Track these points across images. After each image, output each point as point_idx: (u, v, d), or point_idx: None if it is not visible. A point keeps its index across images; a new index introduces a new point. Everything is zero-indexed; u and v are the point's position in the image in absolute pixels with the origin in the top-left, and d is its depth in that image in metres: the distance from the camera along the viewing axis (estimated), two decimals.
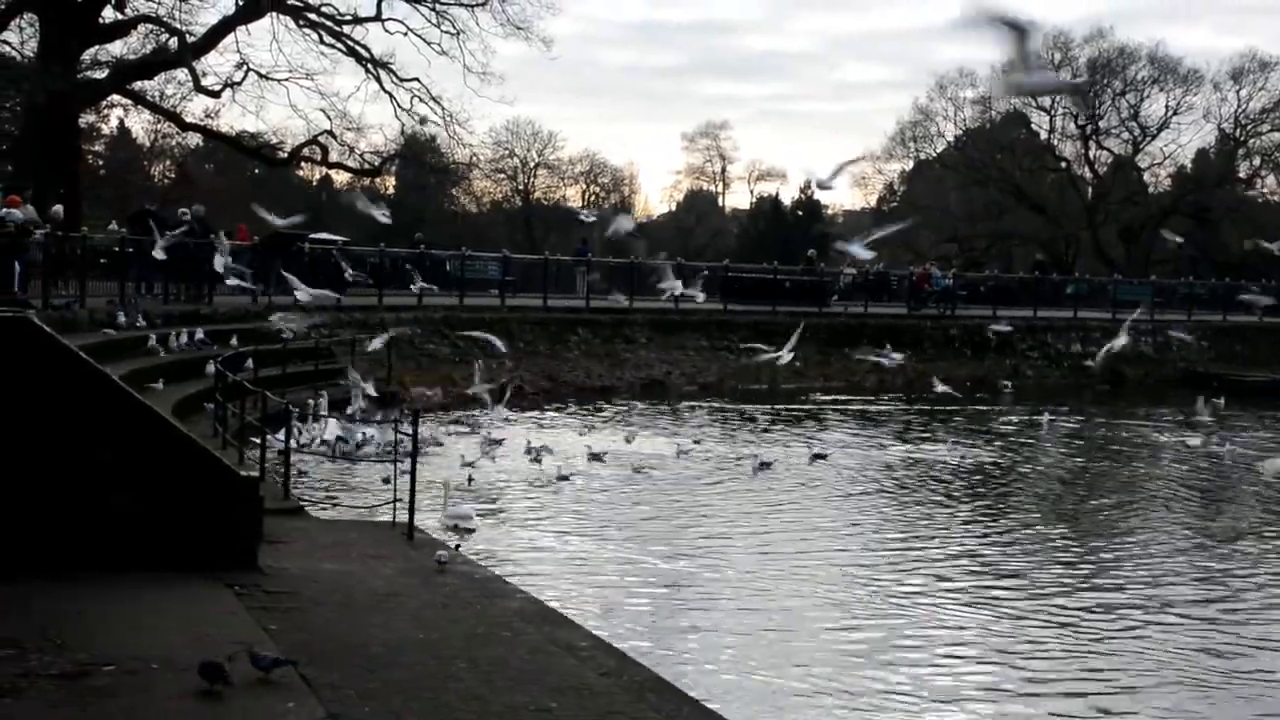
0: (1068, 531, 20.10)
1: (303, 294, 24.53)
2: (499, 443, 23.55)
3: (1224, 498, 24.14)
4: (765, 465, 23.94)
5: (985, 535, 19.41)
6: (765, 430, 30.11)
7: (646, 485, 22.18)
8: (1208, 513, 22.38)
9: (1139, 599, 15.73)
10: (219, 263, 25.70)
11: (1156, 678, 12.59)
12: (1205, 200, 79.02)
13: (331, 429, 22.45)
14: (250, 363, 23.46)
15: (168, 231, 31.48)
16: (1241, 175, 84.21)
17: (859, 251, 18.66)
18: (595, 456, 24.03)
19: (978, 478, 24.65)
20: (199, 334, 26.50)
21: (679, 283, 28.57)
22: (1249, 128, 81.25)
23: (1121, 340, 18.42)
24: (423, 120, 43.04)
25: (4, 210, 25.01)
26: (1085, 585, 16.35)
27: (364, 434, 22.63)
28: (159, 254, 25.43)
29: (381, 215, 23.06)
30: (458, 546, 13.71)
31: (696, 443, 26.37)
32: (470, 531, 16.50)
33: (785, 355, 23.17)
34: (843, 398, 38.22)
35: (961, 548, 18.42)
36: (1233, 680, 12.70)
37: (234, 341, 26.21)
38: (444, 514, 16.67)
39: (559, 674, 8.87)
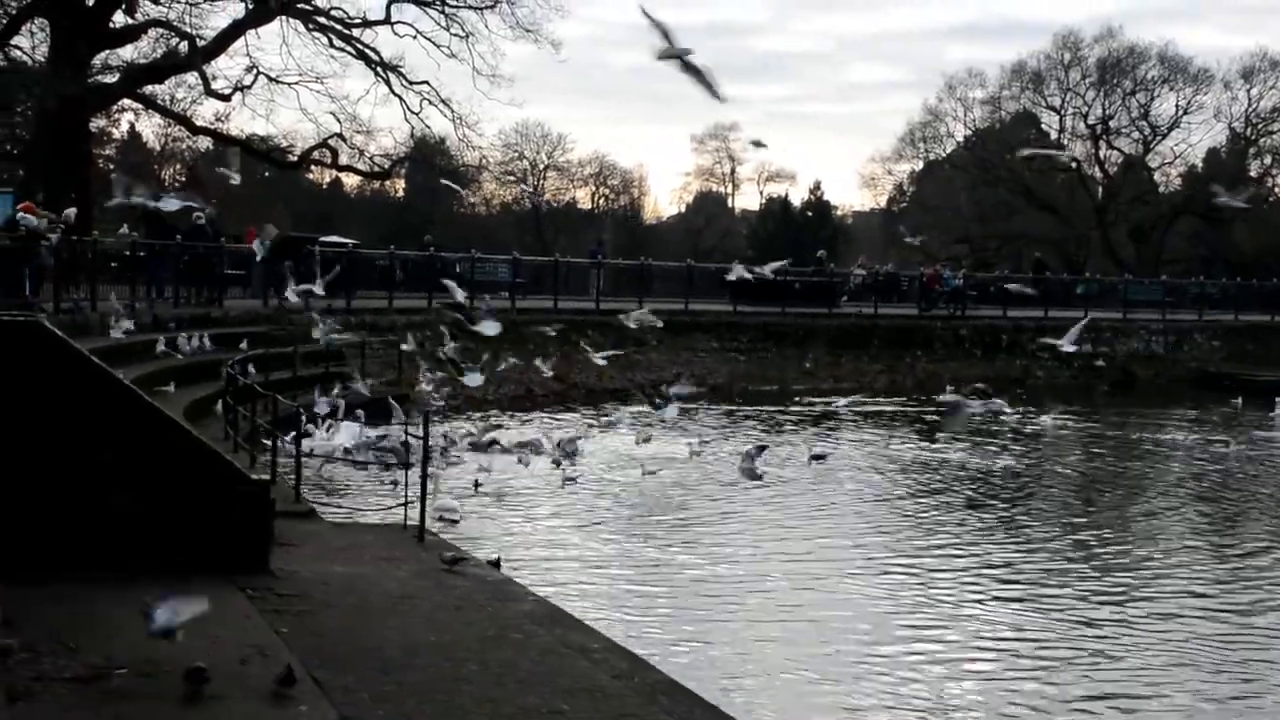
0: (1091, 534, 20.01)
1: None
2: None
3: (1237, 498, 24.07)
4: (752, 470, 23.90)
5: (1002, 537, 19.37)
6: (777, 431, 30.13)
7: (656, 486, 22.16)
8: (1227, 512, 22.34)
9: (1171, 602, 15.68)
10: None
11: (1195, 689, 12.53)
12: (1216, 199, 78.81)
13: (345, 432, 22.48)
14: (252, 367, 23.39)
15: (178, 236, 31.65)
16: (1253, 174, 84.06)
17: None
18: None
19: (990, 479, 24.59)
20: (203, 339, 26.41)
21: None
22: (1260, 127, 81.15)
23: (1068, 346, 18.59)
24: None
25: (20, 215, 25.13)
26: (1112, 590, 16.28)
27: (371, 437, 22.69)
28: (119, 331, 23.92)
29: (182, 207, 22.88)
30: (498, 562, 13.52)
31: (704, 443, 26.34)
32: (455, 522, 16.58)
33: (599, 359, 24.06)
34: (841, 399, 38.09)
35: (978, 549, 18.37)
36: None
37: (243, 345, 26.23)
38: (431, 506, 16.75)
39: (571, 676, 8.86)
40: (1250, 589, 16.54)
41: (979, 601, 15.34)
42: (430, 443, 22.54)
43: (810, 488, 22.88)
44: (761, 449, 24.93)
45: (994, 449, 28.31)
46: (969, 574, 16.78)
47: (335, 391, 24.01)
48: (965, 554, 18.03)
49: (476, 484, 20.84)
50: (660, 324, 22.89)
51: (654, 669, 9.54)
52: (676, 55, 8.16)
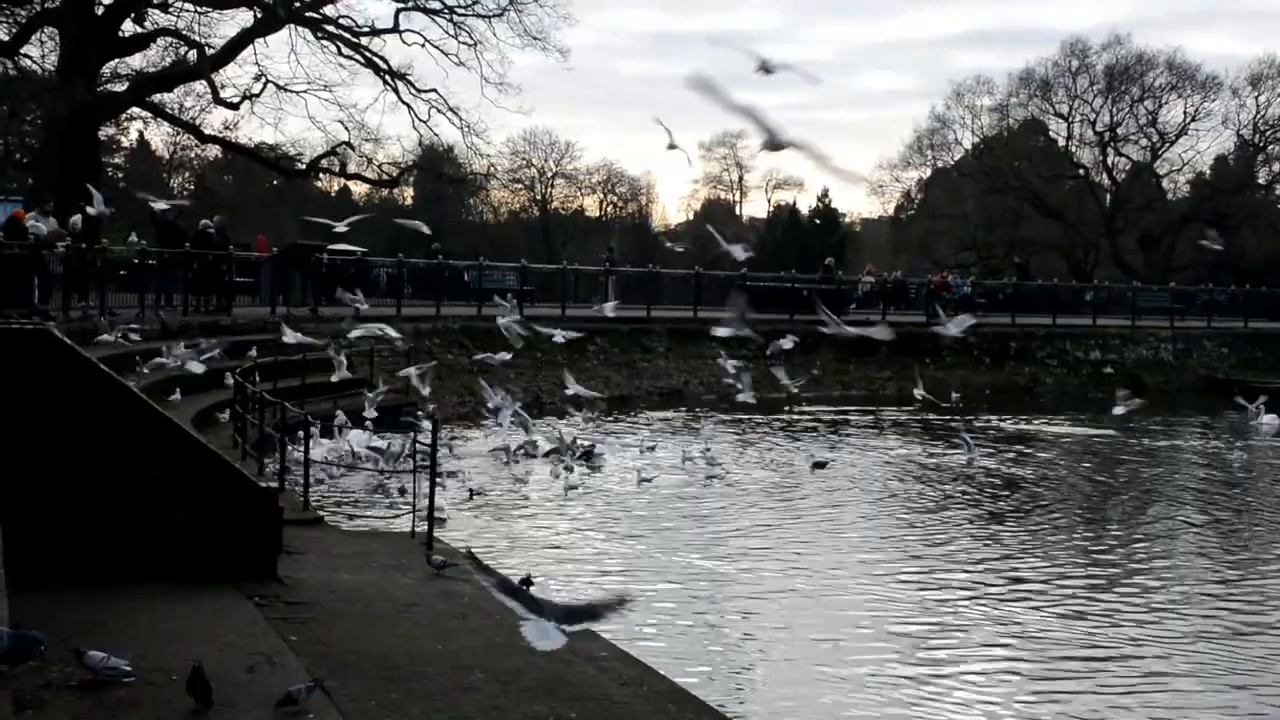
0: (1105, 543, 19.95)
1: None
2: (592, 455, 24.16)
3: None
4: (713, 476, 24.03)
5: (1005, 543, 19.30)
6: (786, 437, 30.11)
7: (658, 494, 22.08)
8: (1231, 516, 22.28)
9: (1189, 607, 15.65)
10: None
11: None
12: (1224, 207, 78.78)
13: (352, 440, 22.50)
14: (257, 376, 23.35)
15: (186, 244, 31.72)
16: (1261, 181, 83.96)
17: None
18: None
19: (992, 485, 24.55)
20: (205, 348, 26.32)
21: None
22: (1268, 134, 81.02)
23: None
24: None
25: (30, 223, 25.19)
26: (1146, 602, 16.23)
27: (381, 445, 22.68)
28: (116, 335, 23.83)
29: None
30: (529, 580, 13.33)
31: (706, 450, 26.24)
32: (441, 522, 16.63)
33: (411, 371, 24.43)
34: (834, 408, 38.03)
35: (984, 553, 18.29)
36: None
37: (252, 352, 26.24)
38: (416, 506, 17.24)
39: (579, 684, 8.85)
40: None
41: (992, 609, 15.27)
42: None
43: (816, 494, 22.82)
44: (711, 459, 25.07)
45: (1005, 458, 28.28)
46: (981, 581, 16.70)
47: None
48: (974, 560, 17.95)
49: (471, 492, 20.74)
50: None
51: (662, 677, 9.54)
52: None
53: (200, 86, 45.21)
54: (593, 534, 18.73)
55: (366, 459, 21.79)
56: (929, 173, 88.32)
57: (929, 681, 12.38)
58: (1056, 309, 53.17)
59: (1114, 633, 14.43)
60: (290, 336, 23.57)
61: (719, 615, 14.64)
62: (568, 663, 9.34)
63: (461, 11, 45.37)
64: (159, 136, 66.71)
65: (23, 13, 41.62)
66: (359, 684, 8.41)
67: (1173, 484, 26.16)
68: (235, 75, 45.44)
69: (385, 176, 51.63)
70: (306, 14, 44.11)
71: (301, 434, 18.55)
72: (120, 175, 64.66)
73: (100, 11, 41.01)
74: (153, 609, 9.87)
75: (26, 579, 9.63)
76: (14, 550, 9.56)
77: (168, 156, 71.87)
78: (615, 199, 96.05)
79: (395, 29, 45.43)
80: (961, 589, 16.25)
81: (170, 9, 42.67)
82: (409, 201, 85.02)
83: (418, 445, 17.92)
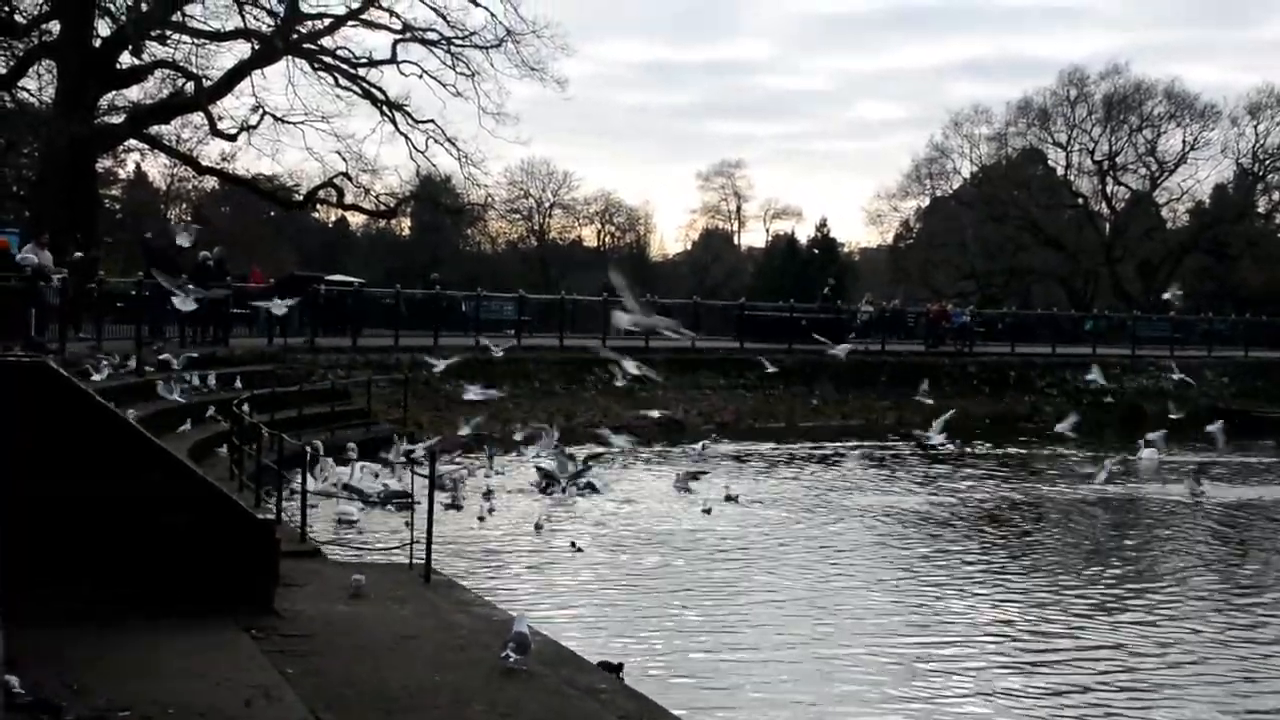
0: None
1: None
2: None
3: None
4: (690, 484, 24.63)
5: (1011, 577, 19.20)
6: (785, 467, 30.05)
7: (660, 525, 21.95)
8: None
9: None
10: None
11: None
12: (1224, 235, 78.87)
13: (352, 473, 22.45)
14: (247, 406, 23.20)
15: (184, 275, 31.62)
16: (1260, 210, 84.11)
17: None
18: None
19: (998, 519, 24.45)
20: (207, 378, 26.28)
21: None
22: (1267, 162, 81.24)
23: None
24: None
25: (21, 255, 25.17)
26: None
27: (384, 484, 22.60)
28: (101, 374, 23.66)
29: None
30: (619, 668, 12.99)
31: (695, 478, 26.10)
32: (353, 523, 16.73)
33: None
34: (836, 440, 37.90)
35: (997, 590, 18.16)
36: None
37: (238, 384, 26.18)
38: (333, 510, 19.31)
39: (577, 717, 8.74)
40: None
41: (1002, 646, 15.13)
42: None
43: (823, 527, 22.69)
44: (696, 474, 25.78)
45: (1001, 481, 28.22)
46: (991, 620, 16.58)
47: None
48: (986, 592, 17.83)
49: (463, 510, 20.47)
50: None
51: (663, 710, 9.42)
52: None
53: (198, 118, 45.26)
54: (596, 567, 18.62)
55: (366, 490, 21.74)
56: (927, 202, 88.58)
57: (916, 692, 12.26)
58: (1056, 338, 53.14)
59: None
60: None
61: (724, 648, 14.50)
62: (567, 696, 9.22)
63: (459, 43, 45.41)
64: (156, 168, 66.83)
65: (20, 45, 41.65)
66: (357, 716, 8.30)
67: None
68: (233, 107, 45.48)
69: (382, 207, 51.64)
70: (304, 45, 44.15)
71: (300, 465, 18.43)
72: (118, 207, 64.75)
73: (98, 44, 41.03)
74: (149, 642, 9.74)
75: (23, 613, 9.52)
76: (10, 583, 9.45)
77: (165, 188, 72.03)
78: (613, 229, 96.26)
79: (393, 60, 45.48)
80: (974, 624, 16.13)
81: (168, 41, 42.70)
82: (406, 232, 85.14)
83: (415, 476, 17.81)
